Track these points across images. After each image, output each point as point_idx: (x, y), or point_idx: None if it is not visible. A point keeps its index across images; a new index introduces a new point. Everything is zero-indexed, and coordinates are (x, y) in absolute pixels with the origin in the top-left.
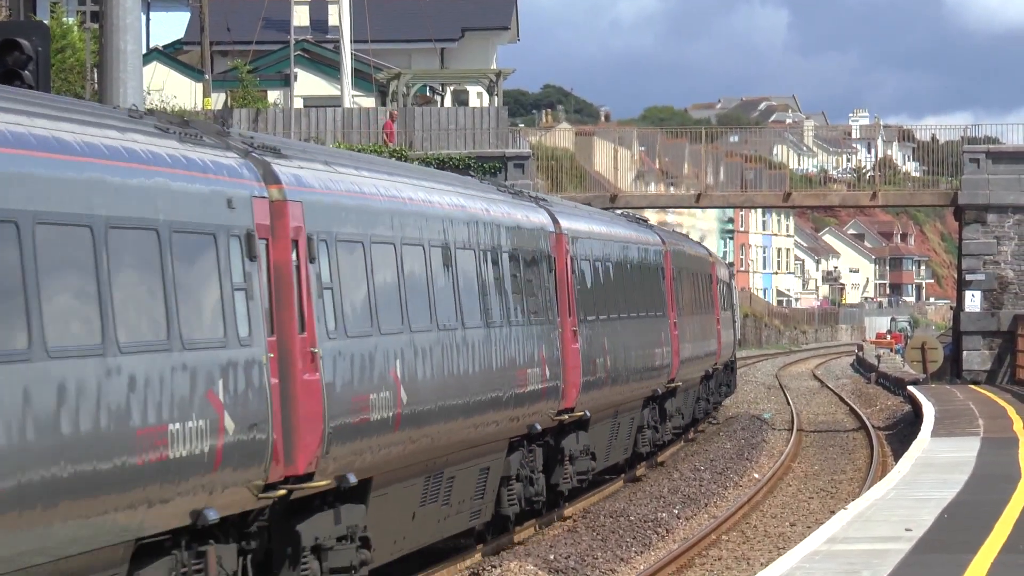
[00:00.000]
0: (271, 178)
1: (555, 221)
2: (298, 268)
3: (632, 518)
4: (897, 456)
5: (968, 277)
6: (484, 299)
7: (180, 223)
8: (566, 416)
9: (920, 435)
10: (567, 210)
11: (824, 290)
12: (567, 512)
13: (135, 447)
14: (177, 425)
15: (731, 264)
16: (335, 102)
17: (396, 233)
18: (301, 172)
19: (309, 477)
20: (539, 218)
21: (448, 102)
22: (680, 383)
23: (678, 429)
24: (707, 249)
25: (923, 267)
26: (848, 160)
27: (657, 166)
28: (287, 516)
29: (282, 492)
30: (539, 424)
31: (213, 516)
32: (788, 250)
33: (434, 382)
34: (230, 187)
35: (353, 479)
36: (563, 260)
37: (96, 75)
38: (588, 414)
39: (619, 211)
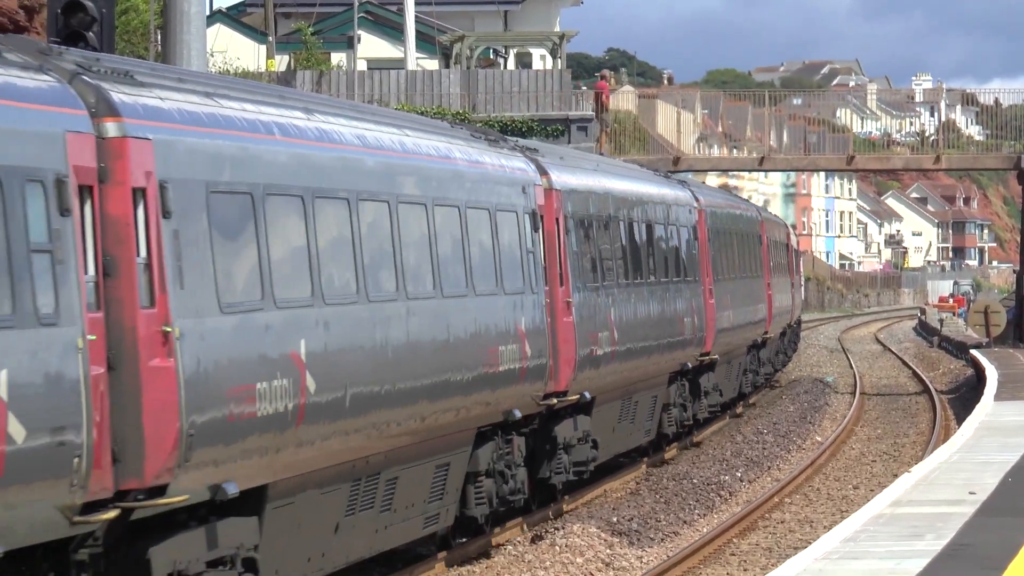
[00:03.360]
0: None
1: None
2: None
3: (695, 481)
4: (960, 420)
5: None
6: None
7: None
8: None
9: (983, 399)
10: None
11: (886, 254)
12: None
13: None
14: (503, 347)
15: (793, 225)
16: (399, 64)
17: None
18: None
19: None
20: (686, 196)
21: (511, 65)
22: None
23: (715, 406)
24: (756, 207)
25: (986, 231)
26: (911, 124)
27: (720, 129)
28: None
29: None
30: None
31: (518, 414)
32: (851, 213)
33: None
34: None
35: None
36: (702, 229)
37: (160, 37)
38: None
39: (667, 173)
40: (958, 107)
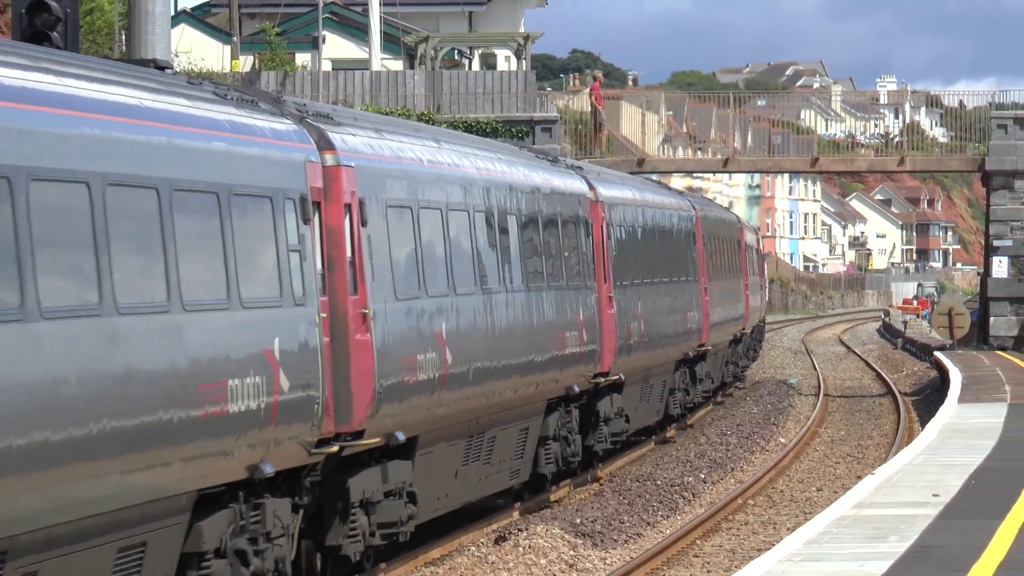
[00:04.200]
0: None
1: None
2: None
3: (659, 482)
4: (924, 422)
5: (995, 243)
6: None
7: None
8: (602, 379)
9: (947, 401)
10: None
11: (851, 255)
12: (600, 473)
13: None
14: (568, 333)
15: (757, 229)
16: (363, 65)
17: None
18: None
19: None
20: (576, 185)
21: (476, 66)
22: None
23: (707, 392)
24: (736, 215)
25: (950, 233)
26: (875, 125)
27: (684, 131)
28: None
29: None
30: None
31: (576, 389)
32: (815, 215)
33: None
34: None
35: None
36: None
37: (124, 37)
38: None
39: (646, 176)
40: (923, 109)
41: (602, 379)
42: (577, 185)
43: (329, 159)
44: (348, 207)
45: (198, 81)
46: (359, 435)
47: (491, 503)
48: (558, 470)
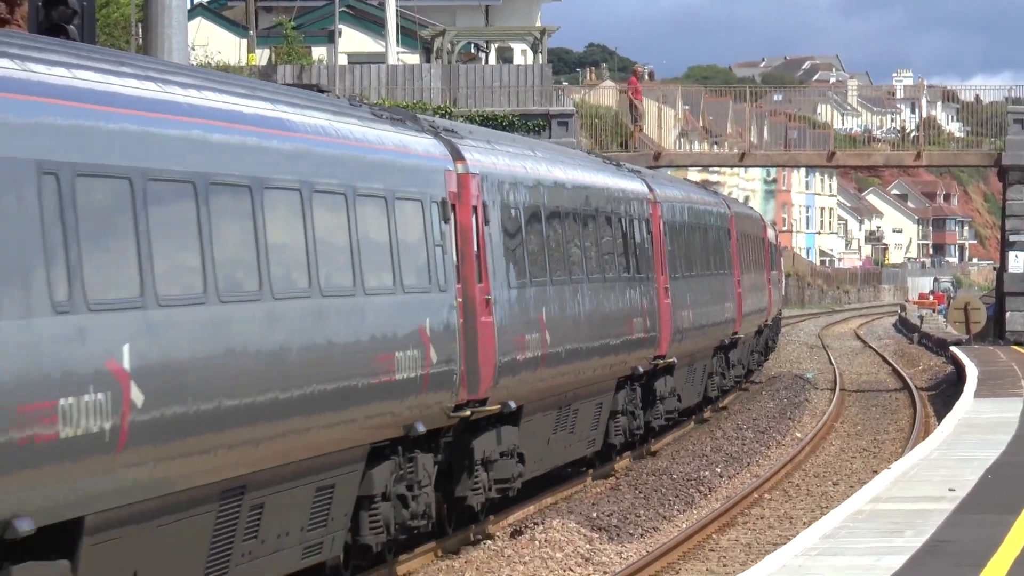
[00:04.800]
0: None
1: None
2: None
3: (675, 476)
4: (940, 416)
5: (1012, 238)
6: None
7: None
8: (660, 362)
9: (963, 396)
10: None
11: (867, 250)
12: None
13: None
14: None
15: (773, 224)
16: (379, 59)
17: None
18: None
19: None
20: (639, 187)
21: (492, 59)
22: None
23: (739, 377)
24: (759, 213)
25: (966, 227)
26: (892, 120)
27: (701, 125)
28: None
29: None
30: (640, 367)
31: (640, 370)
32: (831, 210)
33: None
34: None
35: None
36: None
37: (140, 30)
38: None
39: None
40: (939, 104)
41: (660, 361)
42: (639, 187)
43: (460, 168)
44: (475, 208)
45: (357, 103)
46: (483, 403)
47: (563, 472)
48: (625, 441)
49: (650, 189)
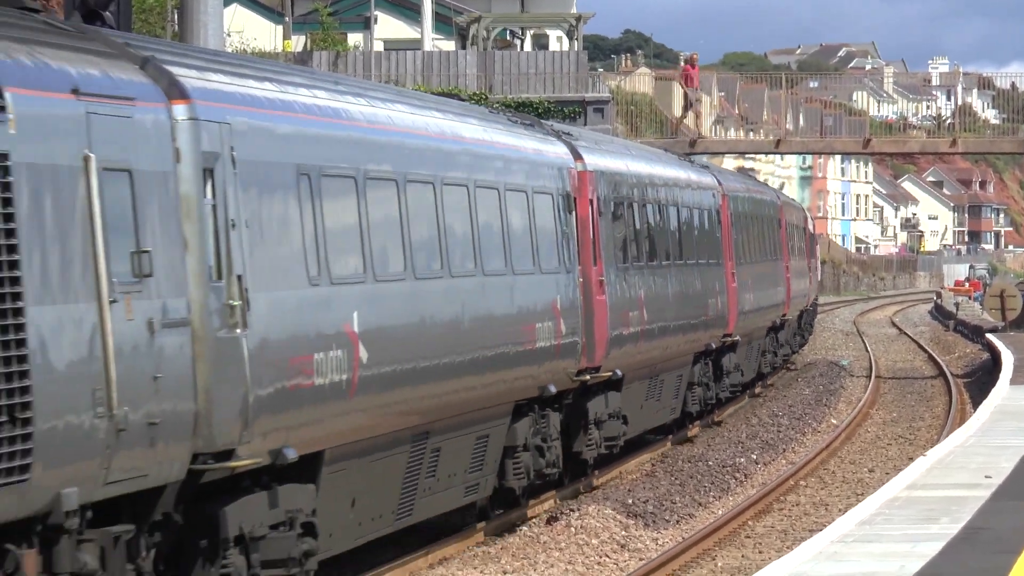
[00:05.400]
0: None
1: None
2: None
3: (710, 463)
4: (976, 404)
5: None
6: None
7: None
8: (728, 339)
9: (999, 383)
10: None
11: (902, 237)
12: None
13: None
14: (710, 301)
15: (808, 209)
16: (415, 45)
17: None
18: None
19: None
20: (710, 180)
21: (528, 46)
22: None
23: (737, 386)
24: (775, 190)
25: (1002, 215)
26: (927, 107)
27: (736, 112)
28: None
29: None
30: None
31: (714, 345)
32: (867, 197)
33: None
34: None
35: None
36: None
37: (176, 16)
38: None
39: (687, 156)
40: (974, 91)
41: (728, 339)
42: (710, 180)
43: (579, 166)
44: (591, 201)
45: (494, 111)
46: (596, 370)
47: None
48: (700, 410)
49: (719, 182)
